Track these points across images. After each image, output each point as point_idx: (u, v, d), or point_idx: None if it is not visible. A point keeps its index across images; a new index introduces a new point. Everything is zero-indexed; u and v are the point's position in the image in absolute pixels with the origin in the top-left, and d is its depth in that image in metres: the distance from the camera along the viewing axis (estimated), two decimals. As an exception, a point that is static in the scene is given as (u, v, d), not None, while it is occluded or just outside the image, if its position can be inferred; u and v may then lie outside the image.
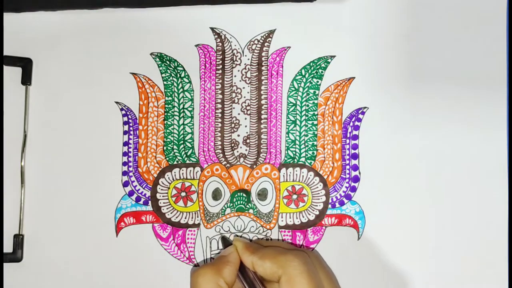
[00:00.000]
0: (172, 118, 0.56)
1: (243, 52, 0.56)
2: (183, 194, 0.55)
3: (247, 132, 0.56)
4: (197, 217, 0.55)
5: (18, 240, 0.54)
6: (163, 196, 0.55)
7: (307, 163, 0.56)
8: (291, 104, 0.56)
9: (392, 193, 0.55)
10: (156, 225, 0.55)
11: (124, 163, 0.55)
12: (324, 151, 0.56)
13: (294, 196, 0.55)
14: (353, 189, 0.55)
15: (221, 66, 0.56)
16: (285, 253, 0.48)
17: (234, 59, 0.56)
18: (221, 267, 0.48)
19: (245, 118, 0.56)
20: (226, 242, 0.53)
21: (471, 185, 0.55)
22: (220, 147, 0.56)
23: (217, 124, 0.56)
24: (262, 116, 0.56)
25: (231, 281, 0.48)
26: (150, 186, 0.55)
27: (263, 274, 0.48)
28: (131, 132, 0.55)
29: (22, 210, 0.55)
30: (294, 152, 0.56)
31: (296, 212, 0.55)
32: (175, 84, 0.56)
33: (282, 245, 0.53)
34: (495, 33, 0.56)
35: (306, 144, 0.56)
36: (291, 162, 0.56)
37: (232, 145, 0.56)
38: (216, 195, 0.55)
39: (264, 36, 0.56)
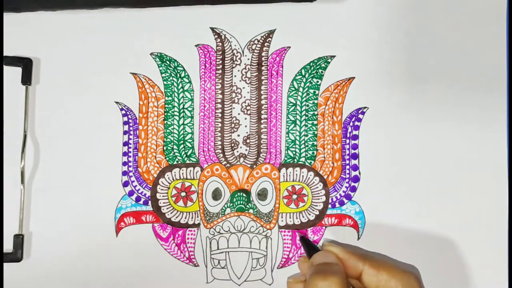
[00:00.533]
0: (172, 118, 0.56)
1: (243, 52, 0.56)
2: (183, 194, 0.55)
3: (247, 132, 0.56)
4: (197, 217, 0.55)
5: (18, 240, 0.54)
6: (163, 196, 0.55)
7: (307, 163, 0.56)
8: (291, 104, 0.56)
9: (392, 193, 0.55)
10: (156, 225, 0.55)
11: (124, 163, 0.55)
12: (324, 151, 0.56)
13: (294, 196, 0.55)
14: (353, 189, 0.55)
15: (221, 66, 0.56)
16: (404, 269, 0.46)
17: (234, 59, 0.56)
18: (345, 279, 0.45)
19: (245, 118, 0.56)
20: (307, 243, 0.53)
21: (471, 185, 0.55)
22: (220, 147, 0.56)
23: (217, 124, 0.56)
24: (262, 116, 0.56)
25: None
26: (150, 186, 0.55)
27: (374, 284, 0.46)
28: (131, 132, 0.55)
29: (22, 210, 0.55)
30: (294, 152, 0.56)
31: (296, 212, 0.55)
32: (175, 84, 0.56)
33: (383, 257, 0.51)
34: (495, 33, 0.56)
35: (306, 144, 0.56)
36: (291, 162, 0.56)
37: (232, 145, 0.56)
38: (216, 195, 0.55)
39: (264, 36, 0.56)
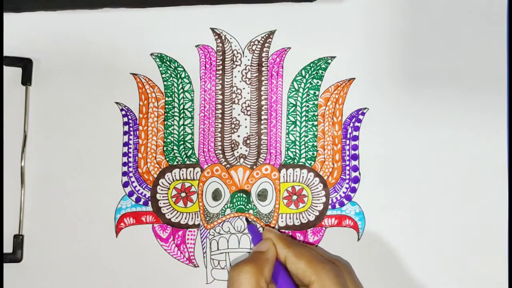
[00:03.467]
0: (172, 119, 0.56)
1: (243, 53, 0.56)
2: (183, 194, 0.55)
3: (247, 133, 0.56)
4: (197, 217, 0.55)
5: (18, 240, 0.54)
6: (163, 197, 0.55)
7: (307, 164, 0.56)
8: (291, 104, 0.56)
9: (392, 194, 0.55)
10: (156, 226, 0.55)
11: (124, 164, 0.55)
12: (324, 152, 0.56)
13: (294, 197, 0.55)
14: (353, 190, 0.55)
15: (221, 67, 0.56)
16: (322, 260, 0.48)
17: (234, 60, 0.56)
18: (263, 265, 0.47)
19: (245, 119, 0.56)
20: (248, 222, 0.54)
21: (471, 185, 0.55)
22: (220, 147, 0.56)
23: (217, 125, 0.56)
24: (262, 117, 0.56)
25: (269, 279, 0.48)
26: (150, 187, 0.55)
27: (294, 272, 0.48)
28: (131, 133, 0.55)
29: (22, 210, 0.55)
30: (294, 153, 0.56)
31: (296, 213, 0.55)
32: (175, 84, 0.56)
33: (315, 249, 0.53)
34: (495, 33, 0.56)
35: (306, 144, 0.56)
36: (291, 162, 0.56)
37: (232, 145, 0.56)
38: (216, 195, 0.55)
39: (265, 37, 0.56)
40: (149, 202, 0.55)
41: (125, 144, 0.55)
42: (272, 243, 0.50)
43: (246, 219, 0.55)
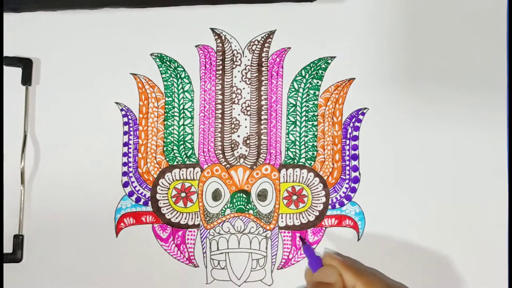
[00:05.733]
0: (172, 119, 0.56)
1: (243, 53, 0.56)
2: (183, 194, 0.55)
3: (247, 133, 0.56)
4: (197, 217, 0.55)
5: (18, 240, 0.54)
6: (163, 197, 0.55)
7: (307, 164, 0.55)
8: (291, 104, 0.56)
9: (392, 194, 0.55)
10: (156, 226, 0.55)
11: (124, 164, 0.55)
12: (324, 152, 0.56)
13: (294, 197, 0.55)
14: (353, 190, 0.55)
15: (221, 67, 0.56)
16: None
17: (234, 60, 0.56)
18: None
19: (245, 119, 0.56)
20: (304, 243, 0.54)
21: (471, 185, 0.55)
22: (220, 147, 0.56)
23: (217, 125, 0.56)
24: (262, 117, 0.56)
25: None
26: (150, 187, 0.55)
27: None
28: (131, 133, 0.55)
29: (22, 210, 0.55)
30: (294, 153, 0.56)
31: (296, 213, 0.55)
32: (175, 84, 0.56)
33: (381, 276, 0.53)
34: (495, 33, 0.56)
35: (306, 145, 0.56)
36: (291, 163, 0.56)
37: (232, 145, 0.56)
38: (216, 195, 0.55)
39: (264, 37, 0.56)
40: (149, 202, 0.55)
41: (125, 144, 0.55)
42: (338, 273, 0.50)
43: (301, 238, 0.55)
